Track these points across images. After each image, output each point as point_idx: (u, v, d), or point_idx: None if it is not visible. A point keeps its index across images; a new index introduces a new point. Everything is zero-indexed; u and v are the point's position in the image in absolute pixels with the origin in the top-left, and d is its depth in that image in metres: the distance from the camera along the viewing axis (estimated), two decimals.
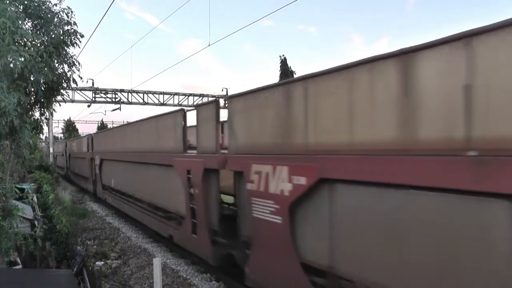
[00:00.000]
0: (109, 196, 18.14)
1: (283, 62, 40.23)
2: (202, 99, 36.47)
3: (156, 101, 35.51)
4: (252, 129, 7.12)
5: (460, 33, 3.89)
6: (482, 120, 3.75)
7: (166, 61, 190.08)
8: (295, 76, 38.41)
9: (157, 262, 6.43)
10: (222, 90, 37.65)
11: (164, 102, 35.66)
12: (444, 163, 3.99)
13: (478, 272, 3.85)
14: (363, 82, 4.94)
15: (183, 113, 9.87)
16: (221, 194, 9.26)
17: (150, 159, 12.09)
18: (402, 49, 4.43)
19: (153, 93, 35.29)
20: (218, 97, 33.61)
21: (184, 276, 9.28)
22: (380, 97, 4.72)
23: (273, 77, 51.26)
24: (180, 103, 35.70)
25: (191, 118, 9.73)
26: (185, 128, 9.78)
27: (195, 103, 34.80)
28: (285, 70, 39.51)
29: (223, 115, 8.54)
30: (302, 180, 5.69)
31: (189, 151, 9.69)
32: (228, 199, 10.18)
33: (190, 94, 36.89)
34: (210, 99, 35.22)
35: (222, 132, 9.29)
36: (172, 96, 36.00)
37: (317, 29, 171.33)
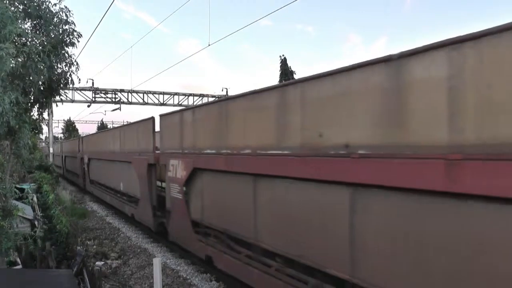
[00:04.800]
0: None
1: (283, 62, 40.19)
2: (202, 99, 36.45)
3: (156, 101, 35.51)
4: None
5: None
6: None
7: (166, 61, 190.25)
8: (295, 76, 38.48)
9: (157, 262, 6.42)
10: (222, 90, 37.66)
11: (164, 102, 35.64)
12: None
13: None
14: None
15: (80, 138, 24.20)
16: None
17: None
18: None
19: (153, 93, 35.29)
20: (217, 98, 33.59)
21: (184, 276, 9.27)
22: None
23: (273, 77, 51.22)
24: (180, 103, 35.69)
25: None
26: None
27: (195, 103, 34.81)
28: (285, 70, 39.50)
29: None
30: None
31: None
32: None
33: (190, 94, 36.87)
34: (210, 99, 35.25)
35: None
36: (172, 96, 35.98)
37: (315, 29, 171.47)
